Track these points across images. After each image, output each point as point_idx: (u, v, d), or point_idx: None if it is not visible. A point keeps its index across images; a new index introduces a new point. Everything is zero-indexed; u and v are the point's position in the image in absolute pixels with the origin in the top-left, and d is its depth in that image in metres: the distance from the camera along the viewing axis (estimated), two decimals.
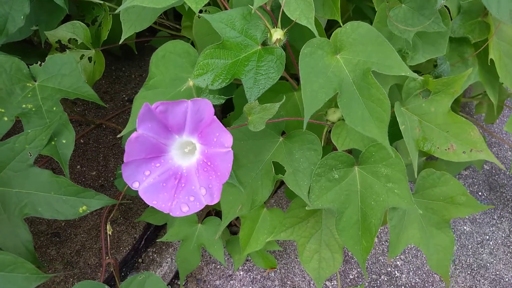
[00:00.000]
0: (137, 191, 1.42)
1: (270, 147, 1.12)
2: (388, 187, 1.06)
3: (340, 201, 1.09)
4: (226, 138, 0.78)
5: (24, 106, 1.22)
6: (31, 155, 1.14)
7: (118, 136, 1.05)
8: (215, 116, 0.78)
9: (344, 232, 1.10)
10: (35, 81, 1.25)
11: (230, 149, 0.78)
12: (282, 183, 1.92)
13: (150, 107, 0.77)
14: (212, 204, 0.81)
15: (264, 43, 1.03)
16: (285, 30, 1.00)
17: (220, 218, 1.40)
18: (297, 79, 1.27)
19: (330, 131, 1.14)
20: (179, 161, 0.85)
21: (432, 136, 1.16)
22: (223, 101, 0.96)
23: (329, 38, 0.99)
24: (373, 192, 1.08)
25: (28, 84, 1.24)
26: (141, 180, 0.83)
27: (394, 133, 1.19)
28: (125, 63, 2.12)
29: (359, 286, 1.23)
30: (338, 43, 0.98)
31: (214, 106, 0.92)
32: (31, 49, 1.74)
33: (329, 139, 1.22)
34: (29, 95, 1.23)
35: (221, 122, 1.47)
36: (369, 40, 0.97)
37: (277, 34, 0.99)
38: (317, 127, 1.19)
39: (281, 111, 1.09)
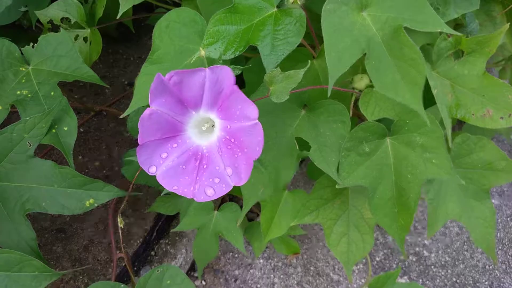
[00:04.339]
0: (146, 179, 1.35)
1: (292, 122, 1.02)
2: (425, 157, 0.96)
3: (372, 177, 0.99)
4: (250, 109, 0.68)
5: (18, 92, 1.13)
6: (30, 145, 1.04)
7: (122, 116, 0.94)
8: (236, 86, 0.68)
9: (378, 210, 1.01)
10: (29, 64, 1.16)
11: (257, 121, 0.68)
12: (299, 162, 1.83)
13: (163, 78, 0.66)
14: (240, 184, 0.71)
15: (280, 5, 0.92)
16: None
17: (237, 203, 1.31)
18: (314, 49, 1.16)
19: (356, 101, 1.04)
20: (198, 140, 0.75)
21: (466, 101, 1.05)
22: (239, 72, 0.86)
23: None
24: (409, 164, 0.98)
25: (21, 69, 1.16)
26: (158, 164, 0.73)
27: (424, 100, 1.09)
28: (122, 45, 2.01)
29: (394, 271, 1.13)
30: None
31: None
32: (22, 33, 1.63)
33: (354, 111, 1.12)
34: (23, 81, 1.15)
35: None
36: None
37: None
38: (342, 97, 1.08)
39: (303, 81, 0.98)
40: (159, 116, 0.70)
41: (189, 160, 0.74)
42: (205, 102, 0.71)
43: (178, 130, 0.74)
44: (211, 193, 0.71)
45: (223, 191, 0.71)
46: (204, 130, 0.75)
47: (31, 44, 1.16)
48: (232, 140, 0.71)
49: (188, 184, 0.72)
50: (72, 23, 1.31)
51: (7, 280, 0.94)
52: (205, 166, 0.73)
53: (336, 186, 0.97)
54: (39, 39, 1.15)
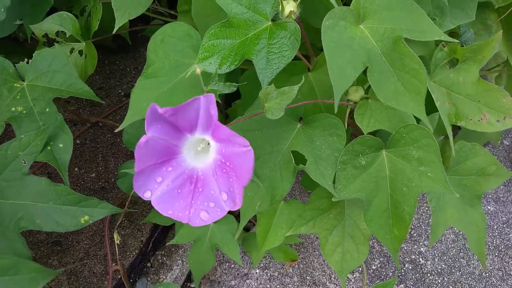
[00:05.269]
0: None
1: (288, 135, 1.02)
2: (421, 170, 0.97)
3: (368, 190, 1.00)
4: (239, 138, 0.68)
5: (13, 109, 1.12)
6: (25, 163, 1.04)
7: (116, 130, 0.94)
8: (218, 122, 0.68)
9: (372, 222, 1.01)
10: (23, 80, 1.15)
11: (250, 147, 0.68)
12: None
13: (158, 110, 0.66)
14: (235, 209, 0.70)
15: (274, 18, 0.92)
16: (299, 0, 0.89)
17: (232, 215, 1.31)
18: (309, 60, 1.16)
19: (352, 112, 1.04)
20: (193, 163, 0.74)
21: (463, 107, 1.08)
22: (235, 89, 0.86)
23: None
24: (404, 177, 0.98)
25: (15, 85, 1.14)
26: (153, 188, 0.72)
27: None
28: (119, 56, 2.00)
29: (391, 280, 1.13)
30: (362, 11, 0.87)
31: (220, 95, 0.82)
32: (17, 46, 1.63)
33: (349, 123, 1.12)
34: (17, 97, 1.13)
35: (224, 112, 1.38)
36: (396, 4, 0.87)
37: (290, 6, 0.89)
38: (337, 109, 1.08)
39: (298, 95, 0.98)
40: (155, 142, 0.70)
41: (184, 183, 0.73)
42: (200, 126, 0.70)
43: (174, 153, 0.73)
44: (206, 217, 0.71)
45: (218, 215, 0.71)
46: (200, 150, 0.74)
47: (26, 60, 1.15)
48: (228, 163, 0.70)
49: (183, 208, 0.72)
50: (67, 36, 1.31)
51: (4, 285, 0.93)
52: (200, 190, 0.72)
53: (333, 199, 0.97)
54: (33, 54, 1.15)
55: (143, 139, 0.68)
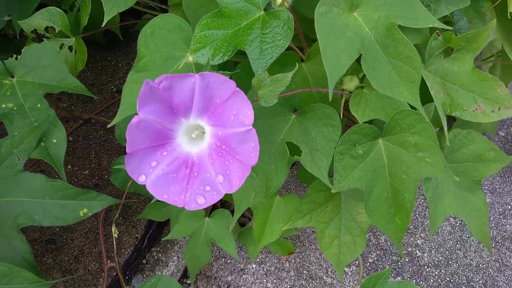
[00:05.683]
0: (135, 187, 1.33)
1: (282, 126, 1.00)
2: (419, 156, 0.96)
3: (367, 179, 0.98)
4: (246, 114, 0.67)
5: (4, 106, 1.11)
6: (19, 160, 1.04)
7: (109, 125, 0.93)
8: (238, 88, 0.67)
9: (374, 212, 1.00)
10: (13, 77, 1.14)
11: (251, 127, 0.67)
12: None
13: (152, 84, 0.65)
14: (232, 192, 0.70)
15: (267, 8, 0.90)
16: None
17: (228, 209, 1.30)
18: (303, 51, 1.15)
19: (346, 102, 1.03)
20: (188, 148, 0.73)
21: (457, 97, 1.07)
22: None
23: None
24: (403, 164, 0.97)
25: (5, 81, 1.14)
26: (148, 173, 0.71)
27: None
28: (111, 52, 1.99)
29: (386, 271, 1.12)
30: None
31: None
32: (7, 42, 1.61)
33: (344, 113, 1.11)
34: (8, 93, 1.12)
35: None
36: None
37: None
38: (332, 99, 1.07)
39: (292, 85, 0.97)
40: (148, 124, 0.68)
41: (180, 168, 0.72)
42: (195, 109, 0.70)
43: (168, 138, 0.72)
44: (202, 202, 0.70)
45: (214, 199, 0.70)
46: (194, 137, 0.73)
47: (14, 56, 1.14)
48: (223, 147, 0.69)
49: (179, 193, 0.71)
50: (56, 32, 1.29)
51: None
52: (196, 174, 0.71)
53: (332, 191, 0.96)
54: (22, 50, 1.14)
55: (134, 119, 0.67)
